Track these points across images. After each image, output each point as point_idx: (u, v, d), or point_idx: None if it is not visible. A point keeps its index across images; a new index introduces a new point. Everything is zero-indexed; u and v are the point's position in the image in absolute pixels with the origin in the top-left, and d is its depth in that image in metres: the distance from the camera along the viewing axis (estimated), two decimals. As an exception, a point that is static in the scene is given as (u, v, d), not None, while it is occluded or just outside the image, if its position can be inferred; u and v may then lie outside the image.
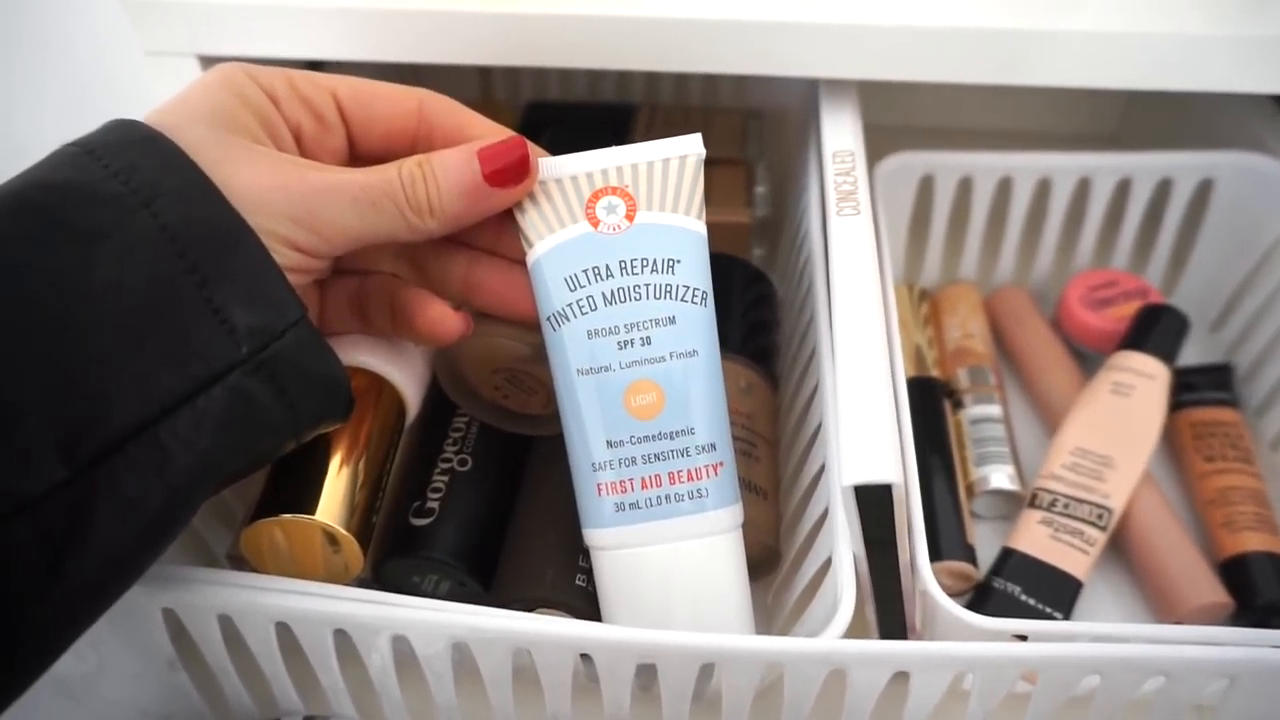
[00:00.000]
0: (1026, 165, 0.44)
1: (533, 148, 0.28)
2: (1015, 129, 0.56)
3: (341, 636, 0.27)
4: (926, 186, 0.45)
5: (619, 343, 0.28)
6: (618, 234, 0.28)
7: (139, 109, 0.25)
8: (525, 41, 0.37)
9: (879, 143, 0.40)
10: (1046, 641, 0.27)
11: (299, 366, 0.25)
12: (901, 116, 0.51)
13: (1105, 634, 0.28)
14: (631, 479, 0.28)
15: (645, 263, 0.28)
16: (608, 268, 0.28)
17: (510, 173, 0.27)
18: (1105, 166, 0.44)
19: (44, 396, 0.21)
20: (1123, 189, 0.45)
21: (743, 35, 0.36)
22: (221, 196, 0.24)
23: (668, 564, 0.28)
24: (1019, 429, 0.43)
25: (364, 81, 0.28)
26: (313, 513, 0.28)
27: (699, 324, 0.28)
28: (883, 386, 0.28)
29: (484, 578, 0.34)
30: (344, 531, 0.28)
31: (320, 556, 0.29)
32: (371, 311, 0.30)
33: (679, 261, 0.29)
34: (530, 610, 0.31)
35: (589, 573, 0.32)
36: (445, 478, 0.34)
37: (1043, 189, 0.45)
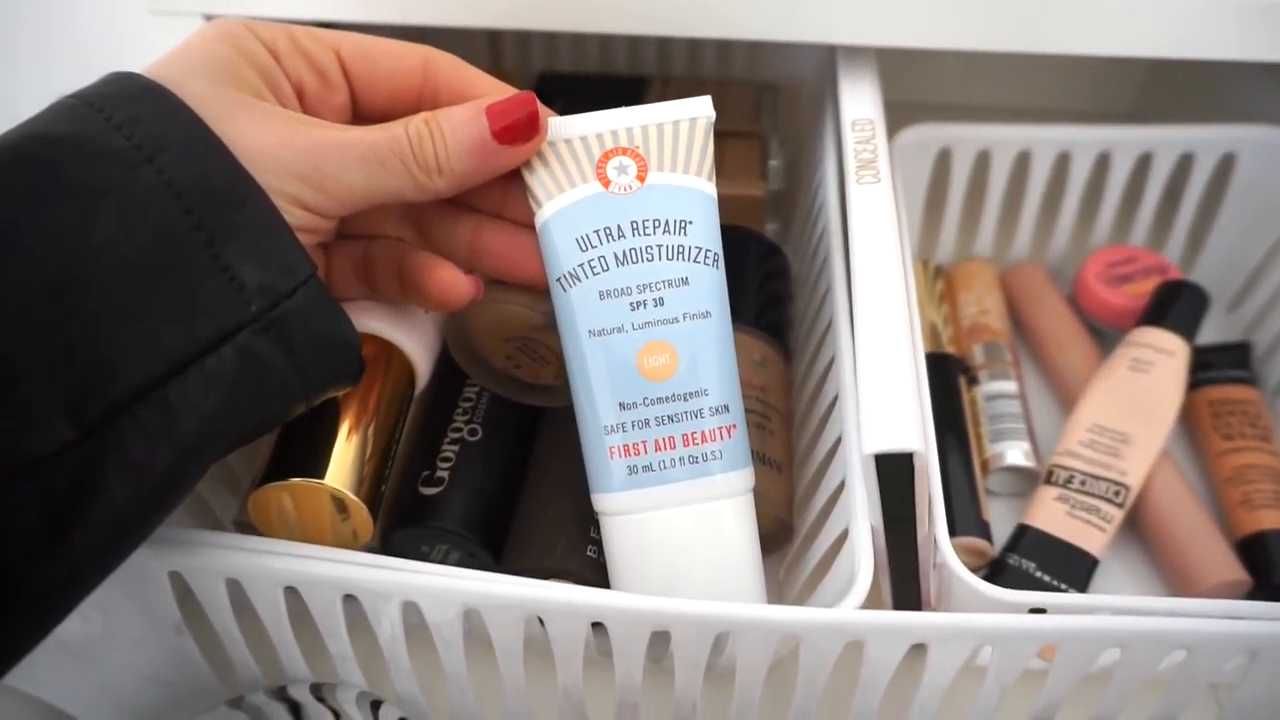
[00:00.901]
0: (1046, 138, 0.43)
1: (542, 107, 0.27)
2: (1032, 105, 0.56)
3: (350, 603, 0.27)
4: (943, 160, 0.44)
5: (631, 304, 0.27)
6: (629, 194, 0.28)
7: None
8: (537, 3, 0.36)
9: (895, 119, 0.40)
10: (1066, 614, 0.26)
11: (309, 326, 0.24)
12: (917, 92, 0.50)
13: (1125, 606, 0.27)
14: (645, 441, 0.27)
15: (658, 223, 0.28)
16: (619, 228, 0.28)
17: (519, 129, 0.26)
18: (1126, 140, 0.43)
19: (48, 356, 0.20)
20: (1143, 163, 0.44)
21: (759, 0, 0.36)
22: (228, 151, 0.23)
23: (681, 528, 0.27)
24: (1035, 406, 0.42)
25: (368, 38, 0.28)
26: (322, 477, 0.28)
27: (711, 285, 0.28)
28: (905, 354, 0.27)
29: (494, 548, 0.33)
30: (353, 497, 0.28)
31: (329, 523, 0.29)
32: (378, 277, 0.29)
33: (691, 223, 0.28)
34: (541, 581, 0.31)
35: (600, 544, 0.32)
36: (455, 447, 0.34)
37: (1062, 163, 0.44)
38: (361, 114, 0.28)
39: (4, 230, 0.21)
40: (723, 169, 0.45)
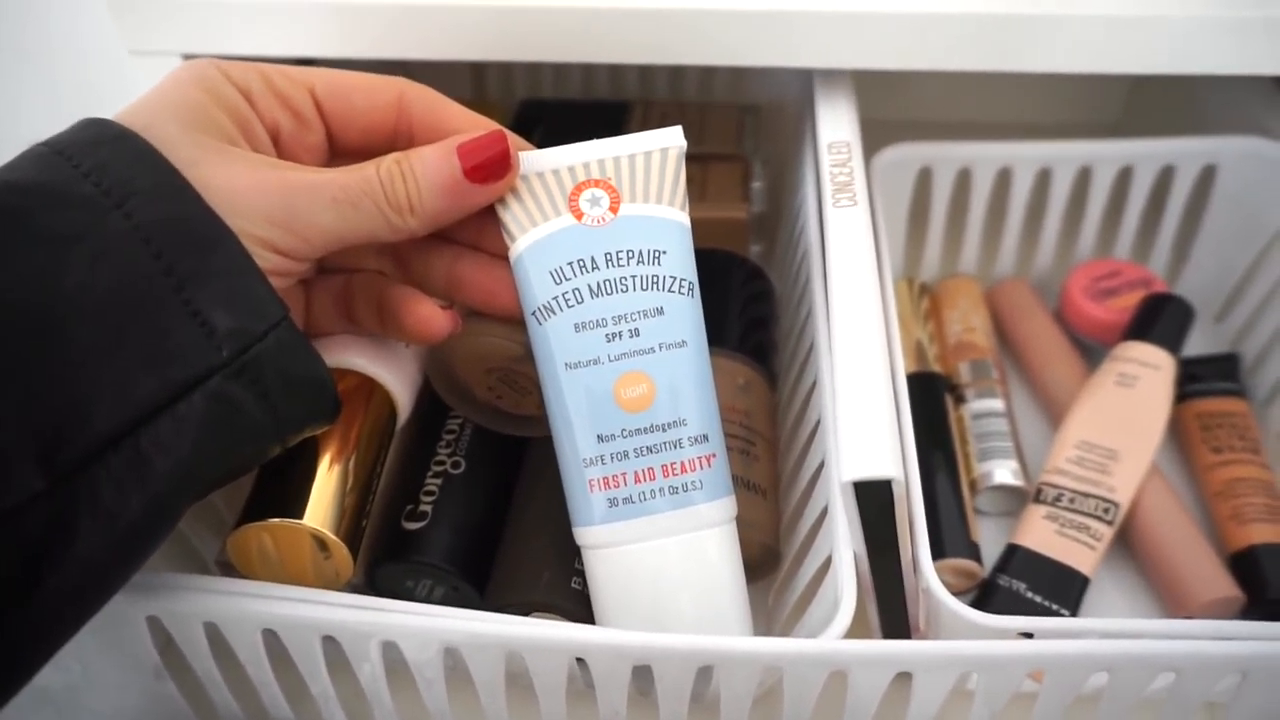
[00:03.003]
0: (1026, 155, 0.43)
1: (514, 140, 0.27)
2: (1015, 121, 0.56)
3: (331, 643, 0.27)
4: (924, 179, 0.44)
5: (607, 335, 0.27)
6: (602, 226, 0.28)
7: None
8: (517, 35, 0.36)
9: (876, 137, 0.40)
10: (1053, 639, 0.26)
11: (282, 369, 0.24)
12: (898, 110, 0.50)
13: (1113, 630, 0.27)
14: (624, 473, 0.27)
15: (631, 254, 0.28)
16: (593, 260, 0.28)
17: (491, 168, 0.26)
18: (1106, 155, 0.43)
19: (19, 404, 0.20)
20: (1124, 177, 0.44)
21: (734, 25, 0.36)
22: (197, 195, 0.23)
23: (663, 560, 0.27)
24: (1022, 423, 0.42)
25: (342, 74, 0.28)
26: (300, 517, 0.28)
27: (687, 314, 0.28)
28: (881, 380, 0.27)
29: (479, 582, 0.33)
30: (333, 536, 0.28)
31: (310, 562, 0.28)
32: (358, 310, 0.29)
33: (665, 253, 0.28)
34: (525, 615, 0.30)
35: (585, 576, 0.32)
36: (438, 480, 0.34)
37: (1043, 179, 0.44)
38: (338, 150, 0.28)
39: None
40: (706, 192, 0.45)
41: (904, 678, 0.26)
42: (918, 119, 0.51)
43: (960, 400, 0.42)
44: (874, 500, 0.26)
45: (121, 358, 0.21)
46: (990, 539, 0.38)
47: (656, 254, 0.28)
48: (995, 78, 0.37)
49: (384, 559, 0.32)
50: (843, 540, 0.28)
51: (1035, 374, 0.44)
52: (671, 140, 0.29)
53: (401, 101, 0.28)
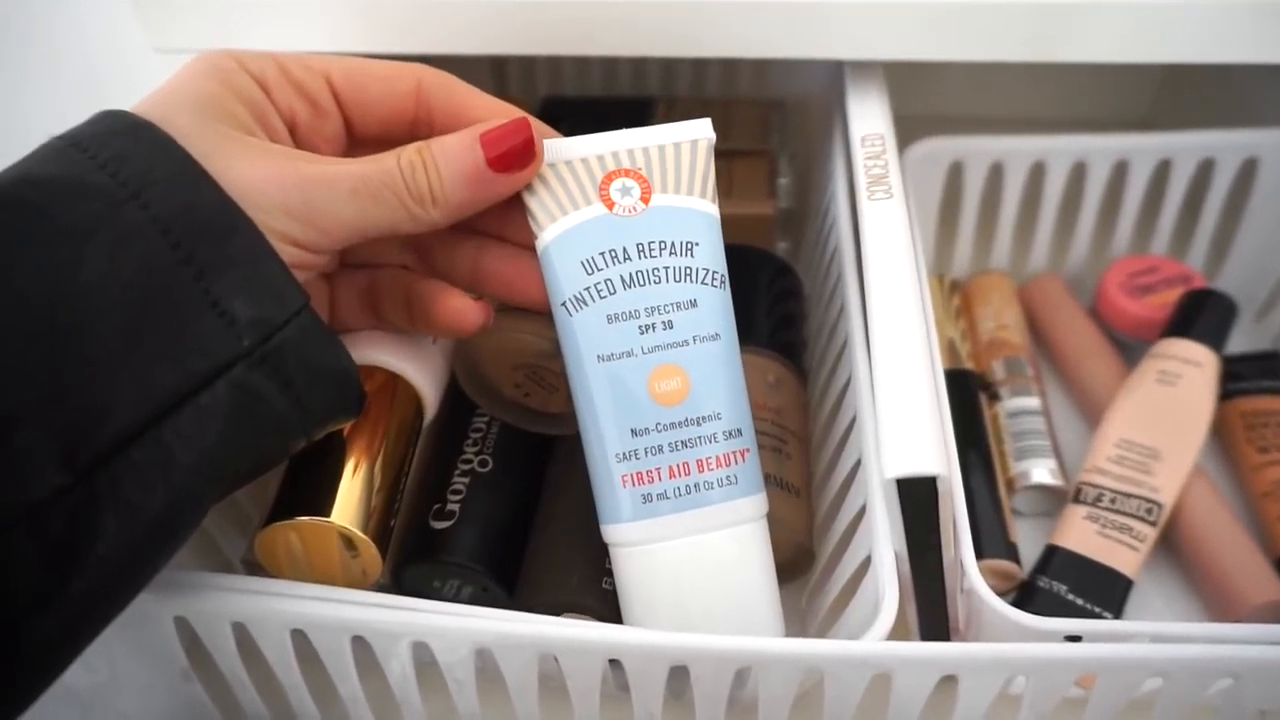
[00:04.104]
0: (1061, 149, 0.42)
1: (539, 128, 0.27)
2: (1042, 116, 0.55)
3: (360, 644, 0.26)
4: (956, 174, 0.43)
5: (640, 327, 0.27)
6: (634, 216, 0.27)
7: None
8: (538, 28, 0.36)
9: (904, 132, 0.39)
10: (1103, 642, 0.25)
11: (304, 358, 0.24)
12: (926, 105, 0.49)
13: (1166, 634, 0.26)
14: (658, 468, 0.27)
15: (664, 245, 0.27)
16: (625, 250, 0.27)
17: (515, 157, 0.26)
18: (1144, 148, 0.42)
19: (39, 400, 0.20)
20: (1162, 171, 0.43)
21: (763, 16, 0.35)
22: (215, 184, 0.23)
23: (697, 557, 0.27)
24: (1058, 422, 0.41)
25: (359, 62, 0.27)
26: (328, 515, 0.27)
27: (719, 307, 0.27)
28: (924, 374, 0.26)
29: (507, 582, 0.32)
30: (361, 534, 0.27)
31: (338, 561, 0.28)
32: (385, 306, 0.29)
33: (697, 244, 0.27)
34: (556, 615, 0.30)
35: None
36: (465, 479, 0.33)
37: (1078, 173, 0.43)
38: (356, 140, 0.28)
39: None
40: (731, 188, 0.44)
41: (946, 684, 0.26)
42: (944, 114, 0.50)
43: (994, 398, 0.41)
44: (917, 498, 0.25)
45: (141, 350, 0.21)
46: (1028, 540, 0.37)
47: (689, 245, 0.27)
48: (1021, 72, 0.36)
49: (411, 559, 0.32)
50: (883, 539, 0.27)
51: (1070, 372, 0.43)
52: (701, 132, 0.28)
53: (420, 89, 0.27)
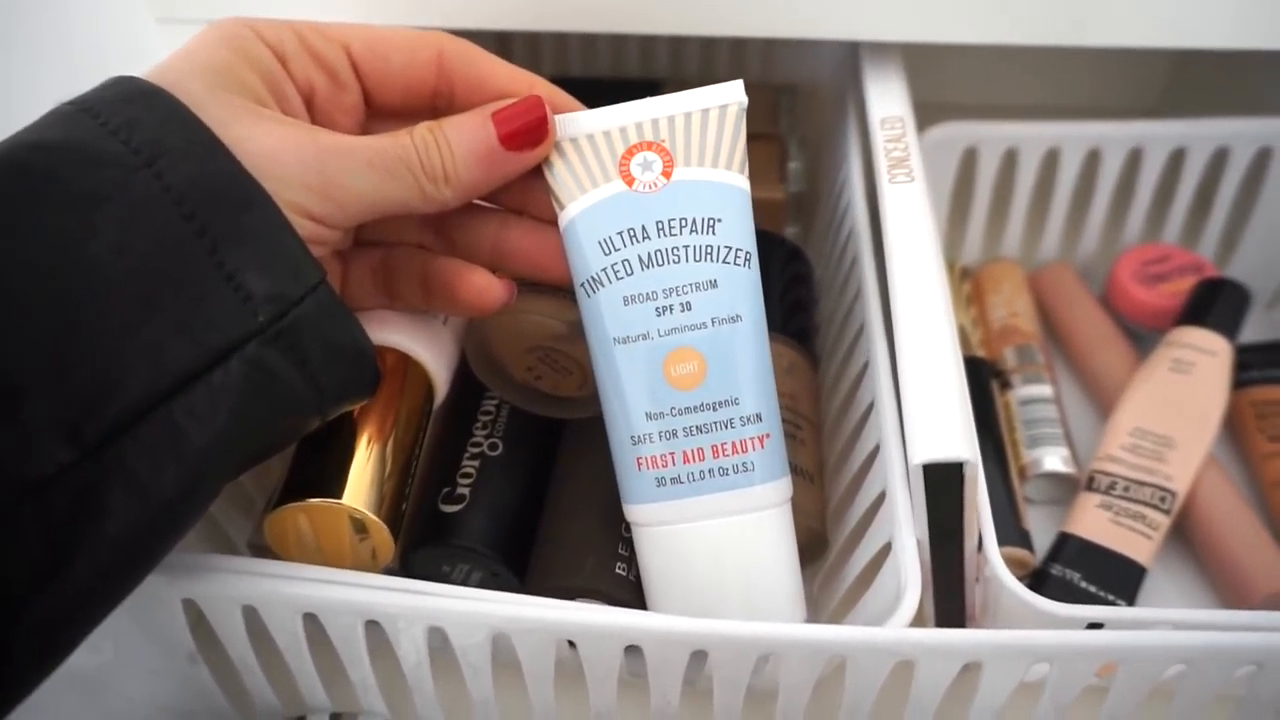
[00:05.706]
0: (1076, 135, 0.42)
1: (559, 101, 0.26)
2: (1051, 104, 0.54)
3: (371, 628, 0.26)
4: (969, 159, 0.43)
5: (657, 309, 0.26)
6: (654, 192, 0.27)
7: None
8: (546, 4, 0.35)
9: (918, 118, 0.38)
10: (1126, 629, 0.25)
11: (321, 335, 0.23)
12: (939, 92, 0.48)
13: (1190, 621, 0.26)
14: (673, 452, 0.26)
15: (684, 223, 0.27)
16: (644, 229, 0.26)
17: (527, 135, 0.25)
18: (1158, 135, 0.42)
19: (45, 372, 0.19)
20: (1175, 159, 0.43)
21: (783, -5, 0.35)
22: (230, 154, 0.22)
23: (712, 541, 0.26)
24: (1070, 410, 0.41)
25: (380, 31, 0.26)
26: (340, 497, 0.26)
27: (742, 287, 0.27)
28: (950, 359, 0.26)
29: (518, 567, 0.32)
30: (373, 517, 0.27)
31: (348, 544, 0.27)
32: (399, 285, 0.28)
33: (720, 220, 0.27)
34: (569, 601, 0.29)
35: (629, 560, 0.30)
36: (475, 462, 0.33)
37: (1092, 160, 0.43)
38: (375, 111, 0.27)
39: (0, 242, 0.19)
40: (742, 172, 0.44)
41: (968, 672, 0.25)
42: (957, 101, 0.49)
43: (1006, 386, 0.40)
44: (943, 484, 0.25)
45: (153, 324, 0.20)
46: (1040, 528, 0.37)
47: (711, 222, 0.27)
48: (1034, 58, 0.36)
49: (420, 542, 0.31)
50: (905, 526, 0.27)
51: (1081, 360, 0.43)
52: (731, 96, 0.27)
53: (441, 59, 0.26)
